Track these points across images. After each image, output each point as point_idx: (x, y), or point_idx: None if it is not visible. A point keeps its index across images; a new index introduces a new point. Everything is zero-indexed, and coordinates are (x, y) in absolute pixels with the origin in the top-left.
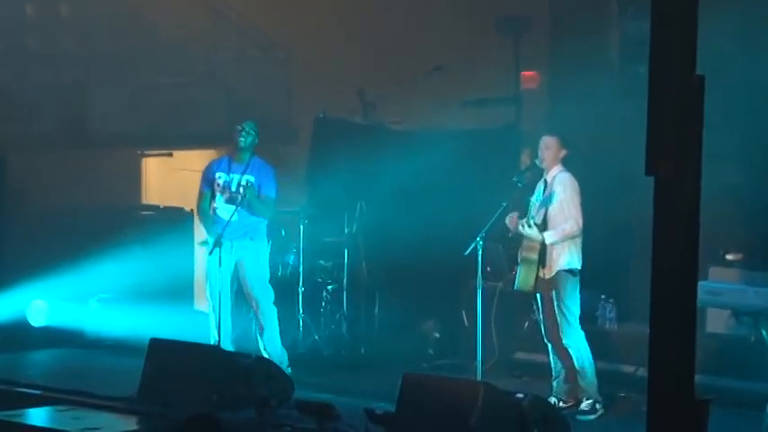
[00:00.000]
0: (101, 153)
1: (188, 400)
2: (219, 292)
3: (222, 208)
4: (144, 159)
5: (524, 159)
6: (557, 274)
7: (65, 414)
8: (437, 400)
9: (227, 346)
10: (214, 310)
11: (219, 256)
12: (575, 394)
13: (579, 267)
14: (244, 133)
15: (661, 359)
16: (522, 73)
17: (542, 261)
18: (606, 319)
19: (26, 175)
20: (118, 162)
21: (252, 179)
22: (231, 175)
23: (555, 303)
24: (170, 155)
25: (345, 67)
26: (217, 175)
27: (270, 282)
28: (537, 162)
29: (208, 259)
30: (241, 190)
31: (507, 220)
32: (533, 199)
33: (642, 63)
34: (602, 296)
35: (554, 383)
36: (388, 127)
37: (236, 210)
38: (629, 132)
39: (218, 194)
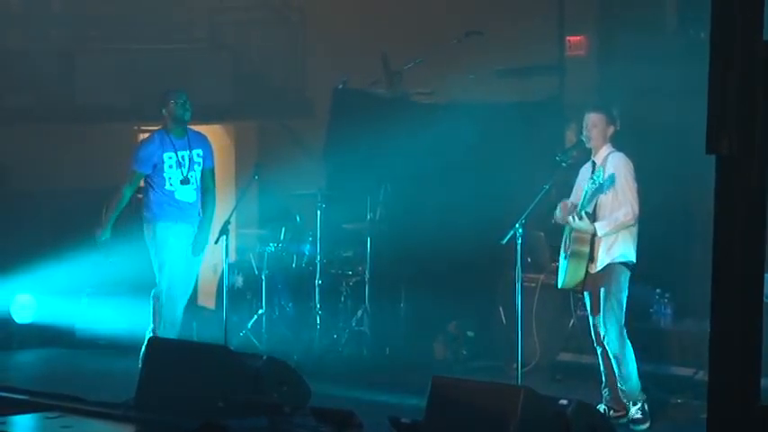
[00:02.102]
0: (90, 128)
1: (191, 406)
2: (226, 286)
3: (181, 190)
4: (140, 135)
5: (569, 136)
6: (607, 267)
7: (53, 422)
8: (470, 406)
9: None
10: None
11: (226, 245)
12: (622, 401)
13: (634, 260)
14: (187, 105)
15: (723, 361)
16: (568, 38)
17: (591, 254)
18: (662, 316)
19: (8, 154)
20: (110, 138)
21: (201, 152)
22: (180, 153)
23: (603, 299)
24: None
25: (367, 31)
26: (166, 155)
27: (284, 273)
28: (583, 139)
29: (173, 236)
30: (196, 167)
31: (558, 210)
32: (586, 187)
33: (702, 27)
34: (658, 291)
35: (605, 392)
36: (415, 99)
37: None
38: (687, 105)
39: (169, 176)
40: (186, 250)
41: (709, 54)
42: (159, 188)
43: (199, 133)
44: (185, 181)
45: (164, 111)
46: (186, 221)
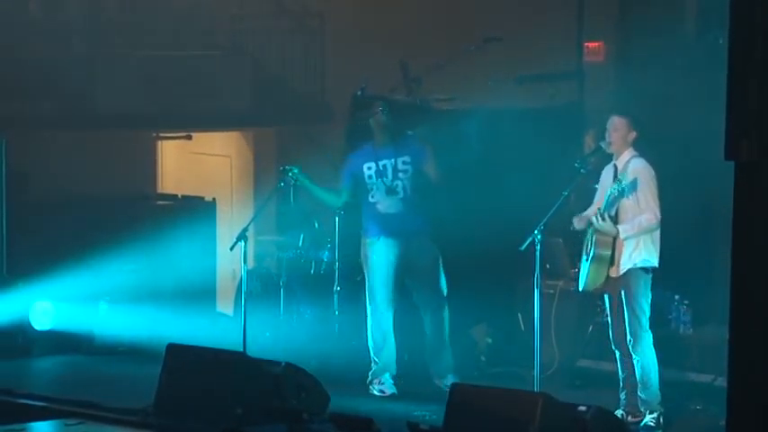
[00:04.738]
0: (110, 135)
1: (210, 412)
2: (245, 292)
3: (384, 202)
4: (160, 142)
5: (588, 142)
6: (628, 271)
7: (73, 428)
8: (489, 413)
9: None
10: (377, 311)
11: (244, 251)
12: (639, 408)
13: (656, 265)
14: (385, 110)
15: (742, 367)
16: (586, 44)
17: (613, 258)
18: (680, 322)
19: (27, 160)
20: (130, 145)
21: (408, 159)
22: (382, 162)
23: (626, 303)
24: (189, 137)
25: (386, 38)
26: (365, 165)
27: (302, 280)
28: (603, 145)
29: (374, 253)
30: (401, 176)
31: (576, 221)
32: (609, 190)
33: (721, 33)
34: (676, 297)
35: (622, 395)
36: (434, 105)
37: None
38: (706, 111)
39: (371, 187)
40: (395, 266)
41: (728, 59)
42: (364, 201)
43: (411, 138)
44: (390, 191)
45: (370, 121)
46: (390, 236)
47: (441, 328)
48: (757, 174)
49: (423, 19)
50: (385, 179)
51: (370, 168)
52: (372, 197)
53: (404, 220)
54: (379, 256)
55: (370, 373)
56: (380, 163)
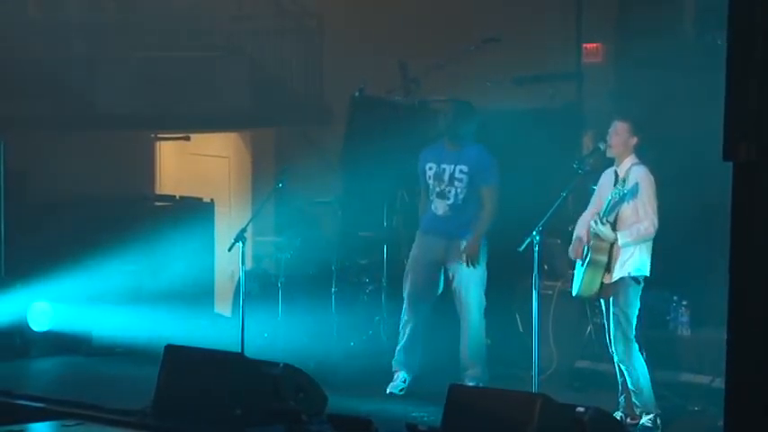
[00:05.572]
0: (108, 136)
1: (208, 413)
2: (243, 293)
3: (436, 203)
4: (158, 143)
5: (587, 143)
6: (620, 279)
7: (71, 429)
8: (487, 414)
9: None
10: (405, 304)
11: (242, 252)
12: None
13: (647, 274)
14: (451, 116)
15: (740, 368)
16: (584, 45)
17: (609, 264)
18: (679, 323)
19: (26, 160)
20: (128, 146)
21: (466, 168)
22: (443, 165)
23: (613, 310)
24: (187, 138)
25: (384, 39)
26: (427, 165)
27: (300, 281)
28: (601, 146)
29: (416, 247)
30: (456, 183)
31: (571, 251)
32: (610, 196)
33: (720, 32)
34: (675, 298)
35: (621, 398)
36: (432, 106)
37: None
38: (705, 112)
39: (430, 187)
40: (432, 266)
41: (728, 59)
42: (426, 197)
43: (477, 149)
44: (441, 195)
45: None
46: (436, 234)
47: (465, 336)
48: (756, 174)
49: (421, 19)
50: (440, 182)
51: (430, 169)
52: (430, 196)
53: (449, 224)
54: (419, 251)
55: (393, 361)
56: (441, 166)
